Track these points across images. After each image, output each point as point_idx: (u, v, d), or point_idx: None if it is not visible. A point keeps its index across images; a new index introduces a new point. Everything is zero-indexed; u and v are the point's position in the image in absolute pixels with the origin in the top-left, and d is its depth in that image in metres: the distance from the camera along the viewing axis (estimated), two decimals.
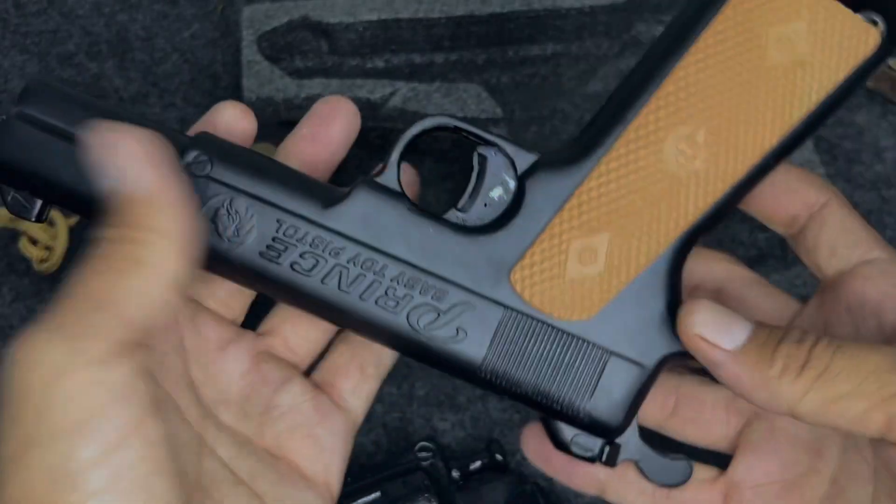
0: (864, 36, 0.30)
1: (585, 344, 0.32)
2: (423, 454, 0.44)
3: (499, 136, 0.33)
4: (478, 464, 0.44)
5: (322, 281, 0.31)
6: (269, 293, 0.33)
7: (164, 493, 0.26)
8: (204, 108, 0.56)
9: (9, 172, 0.31)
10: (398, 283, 0.32)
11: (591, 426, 0.32)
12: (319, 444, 0.33)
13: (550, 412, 0.32)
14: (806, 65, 0.30)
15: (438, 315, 0.32)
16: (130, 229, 0.27)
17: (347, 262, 0.31)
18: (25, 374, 0.25)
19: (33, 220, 0.32)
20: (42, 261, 0.49)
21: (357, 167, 0.54)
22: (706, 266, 0.37)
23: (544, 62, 0.59)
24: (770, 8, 0.30)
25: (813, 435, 0.35)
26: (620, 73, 0.59)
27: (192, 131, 0.35)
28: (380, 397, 0.47)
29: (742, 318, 0.31)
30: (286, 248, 0.31)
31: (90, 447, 0.25)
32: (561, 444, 0.33)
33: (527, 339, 0.32)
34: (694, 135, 0.31)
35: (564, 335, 0.32)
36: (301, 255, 0.31)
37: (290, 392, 0.34)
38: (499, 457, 0.44)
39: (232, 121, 0.35)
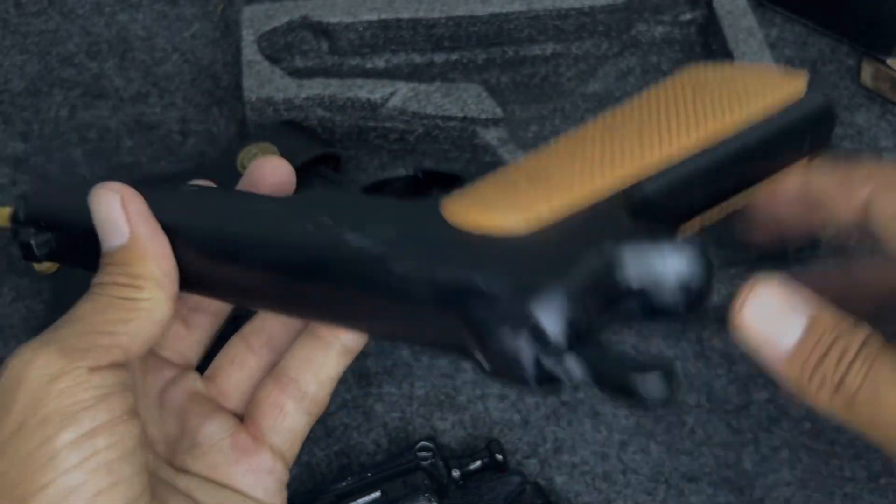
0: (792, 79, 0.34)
1: (520, 250, 0.27)
2: (423, 454, 0.44)
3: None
4: (478, 464, 0.44)
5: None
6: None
7: (129, 479, 0.30)
8: (204, 107, 0.57)
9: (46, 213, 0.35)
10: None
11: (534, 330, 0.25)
12: (235, 483, 0.34)
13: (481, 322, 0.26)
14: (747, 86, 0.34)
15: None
16: (124, 276, 0.32)
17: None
18: (25, 373, 0.29)
19: (38, 260, 0.35)
20: None
21: (356, 167, 0.54)
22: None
23: (544, 62, 0.59)
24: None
25: None
26: (620, 73, 0.59)
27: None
28: (380, 397, 0.47)
29: (801, 306, 0.29)
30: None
31: (69, 433, 0.29)
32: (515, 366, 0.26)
33: (438, 241, 0.28)
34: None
35: (494, 241, 0.28)
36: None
37: (209, 430, 0.35)
38: (499, 457, 0.44)
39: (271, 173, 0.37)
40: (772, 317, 0.29)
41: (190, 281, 0.33)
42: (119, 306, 0.31)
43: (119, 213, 0.32)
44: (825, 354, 0.28)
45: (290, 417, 0.35)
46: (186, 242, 0.33)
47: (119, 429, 0.30)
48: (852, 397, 0.28)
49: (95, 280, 0.32)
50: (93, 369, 0.29)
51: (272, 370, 0.36)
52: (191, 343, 0.37)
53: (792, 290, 0.29)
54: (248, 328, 0.37)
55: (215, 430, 0.35)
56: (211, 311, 0.38)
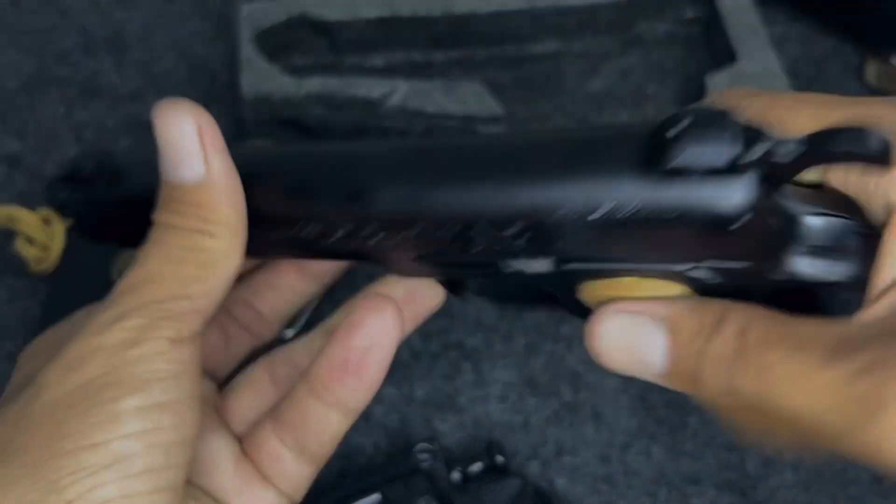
0: None
1: None
2: (423, 456, 0.43)
3: None
4: (478, 466, 0.44)
5: None
6: None
7: (179, 466, 0.27)
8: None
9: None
10: None
11: None
12: None
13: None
14: None
15: None
16: (197, 220, 0.28)
17: None
18: (103, 336, 0.27)
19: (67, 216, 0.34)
20: (38, 261, 0.49)
21: None
22: None
23: (546, 60, 0.58)
24: None
25: None
26: (622, 71, 0.58)
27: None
28: (379, 398, 0.47)
29: (655, 326, 0.27)
30: None
31: (137, 399, 0.26)
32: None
33: None
34: None
35: None
36: None
37: (211, 446, 0.33)
38: (499, 459, 0.44)
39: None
40: (628, 351, 0.27)
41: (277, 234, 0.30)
42: (193, 260, 0.28)
43: (194, 140, 0.28)
44: (699, 360, 0.26)
45: (290, 466, 0.33)
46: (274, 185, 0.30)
47: (185, 413, 0.27)
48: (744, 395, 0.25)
49: (161, 218, 0.28)
50: (174, 341, 0.27)
51: (273, 410, 0.33)
52: (224, 357, 0.35)
53: (637, 310, 0.27)
54: (278, 355, 0.35)
55: (217, 449, 0.33)
56: (254, 330, 0.36)
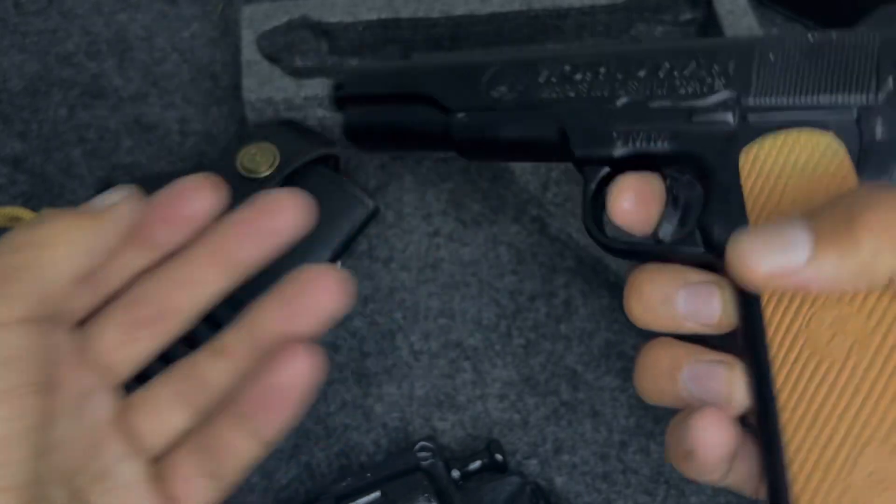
0: None
1: None
2: (423, 454, 0.44)
3: None
4: (477, 464, 0.44)
5: None
6: None
7: (16, 464, 0.25)
8: (204, 107, 0.57)
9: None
10: None
11: None
12: None
13: None
14: None
15: None
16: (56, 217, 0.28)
17: None
18: None
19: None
20: None
21: (356, 167, 0.54)
22: None
23: None
24: None
25: None
26: None
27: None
28: (379, 397, 0.47)
29: (794, 224, 0.29)
30: None
31: None
32: None
33: None
34: None
35: None
36: None
37: (125, 468, 0.31)
38: (498, 457, 0.44)
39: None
40: (772, 251, 0.29)
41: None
42: (35, 241, 0.27)
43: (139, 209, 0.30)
44: (857, 217, 0.29)
45: (203, 492, 0.32)
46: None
47: (17, 402, 0.25)
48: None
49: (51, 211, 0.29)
50: (3, 321, 0.25)
51: (192, 434, 0.32)
52: (126, 354, 0.32)
53: (777, 223, 0.30)
54: (184, 369, 0.33)
55: (131, 471, 0.31)
56: (162, 327, 0.33)
